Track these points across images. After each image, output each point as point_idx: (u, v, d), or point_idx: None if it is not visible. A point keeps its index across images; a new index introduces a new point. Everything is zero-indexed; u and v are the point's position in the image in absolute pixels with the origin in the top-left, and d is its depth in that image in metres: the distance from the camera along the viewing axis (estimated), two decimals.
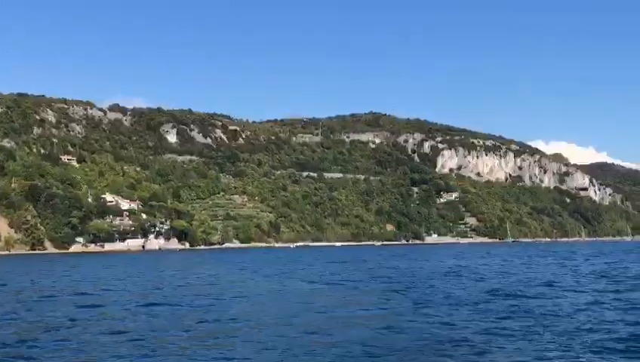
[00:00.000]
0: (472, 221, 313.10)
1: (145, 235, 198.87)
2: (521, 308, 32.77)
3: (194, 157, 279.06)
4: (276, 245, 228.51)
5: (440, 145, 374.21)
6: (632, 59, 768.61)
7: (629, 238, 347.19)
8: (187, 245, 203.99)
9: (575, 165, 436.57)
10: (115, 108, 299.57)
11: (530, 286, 47.22)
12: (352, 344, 23.11)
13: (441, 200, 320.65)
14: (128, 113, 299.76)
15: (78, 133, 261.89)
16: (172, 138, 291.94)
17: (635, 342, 22.16)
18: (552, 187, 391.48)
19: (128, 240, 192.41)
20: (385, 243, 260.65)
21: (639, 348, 21.08)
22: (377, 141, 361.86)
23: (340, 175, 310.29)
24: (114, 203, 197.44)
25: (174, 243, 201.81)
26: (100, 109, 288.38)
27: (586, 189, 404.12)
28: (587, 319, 28.65)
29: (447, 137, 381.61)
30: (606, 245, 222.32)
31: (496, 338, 22.86)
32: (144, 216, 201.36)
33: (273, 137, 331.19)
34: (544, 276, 58.63)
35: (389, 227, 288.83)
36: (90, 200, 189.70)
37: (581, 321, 27.69)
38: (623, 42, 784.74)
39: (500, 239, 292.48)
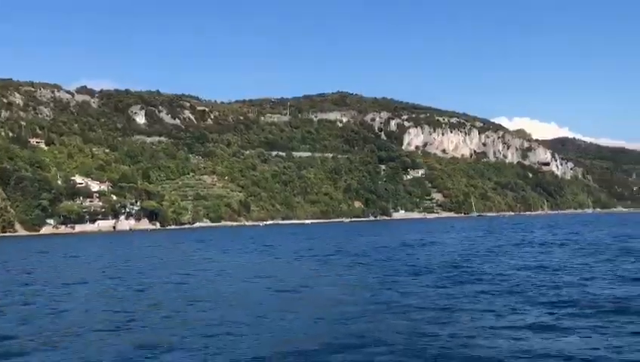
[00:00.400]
0: (438, 196, 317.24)
1: (115, 216, 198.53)
2: (477, 273, 34.88)
3: (163, 138, 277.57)
4: (247, 224, 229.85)
5: (406, 123, 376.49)
6: (592, 36, 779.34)
7: (590, 211, 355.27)
8: (158, 225, 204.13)
9: (537, 140, 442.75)
10: (82, 90, 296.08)
11: (486, 256, 49.52)
12: (320, 308, 24.76)
13: (408, 176, 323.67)
14: (96, 95, 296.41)
15: (46, 115, 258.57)
16: (140, 119, 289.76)
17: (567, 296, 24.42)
18: (515, 162, 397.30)
19: (99, 222, 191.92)
20: (353, 219, 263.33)
21: (571, 300, 23.26)
22: (345, 120, 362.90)
23: (309, 154, 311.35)
24: (83, 185, 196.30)
25: (145, 224, 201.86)
26: (68, 92, 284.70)
27: (548, 164, 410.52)
28: (535, 280, 30.90)
29: (413, 115, 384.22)
30: (565, 217, 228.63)
31: (457, 301, 24.58)
32: (114, 197, 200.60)
33: (242, 117, 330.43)
34: (502, 247, 61.26)
35: (357, 204, 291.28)
36: (59, 182, 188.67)
37: (526, 282, 29.95)
38: (583, 19, 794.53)
39: (465, 214, 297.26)
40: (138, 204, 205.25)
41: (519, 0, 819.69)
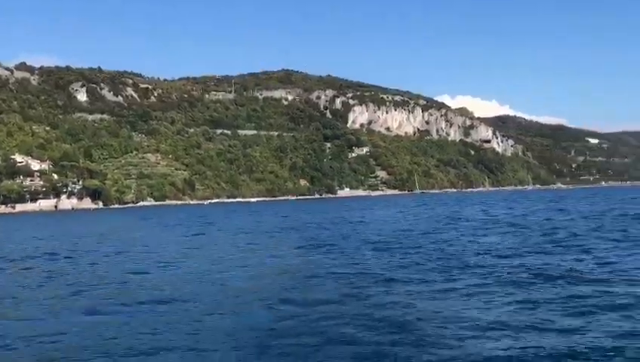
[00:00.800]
0: (382, 174, 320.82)
1: (57, 195, 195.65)
2: (415, 245, 36.77)
3: (105, 116, 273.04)
4: (191, 202, 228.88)
5: (351, 102, 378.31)
6: (533, 16, 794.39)
7: (530, 187, 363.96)
8: (101, 204, 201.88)
9: (479, 118, 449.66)
10: (21, 67, 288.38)
11: (423, 230, 51.74)
12: (265, 278, 25.90)
13: (353, 154, 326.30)
14: (36, 72, 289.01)
15: None
16: (82, 97, 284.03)
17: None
18: (457, 140, 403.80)
19: (40, 201, 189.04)
20: (299, 197, 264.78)
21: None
22: (290, 98, 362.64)
23: (254, 132, 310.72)
24: (24, 163, 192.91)
25: (88, 203, 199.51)
26: (7, 68, 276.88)
27: (489, 141, 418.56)
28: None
29: (358, 93, 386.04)
30: (503, 193, 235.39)
31: (395, 270, 26.05)
32: (55, 176, 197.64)
33: (186, 95, 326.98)
34: (436, 222, 63.80)
35: (303, 182, 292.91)
36: None
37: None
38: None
39: (409, 191, 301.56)
40: (80, 183, 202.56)
41: None
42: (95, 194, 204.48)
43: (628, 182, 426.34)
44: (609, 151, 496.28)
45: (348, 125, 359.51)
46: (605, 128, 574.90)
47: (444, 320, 16.94)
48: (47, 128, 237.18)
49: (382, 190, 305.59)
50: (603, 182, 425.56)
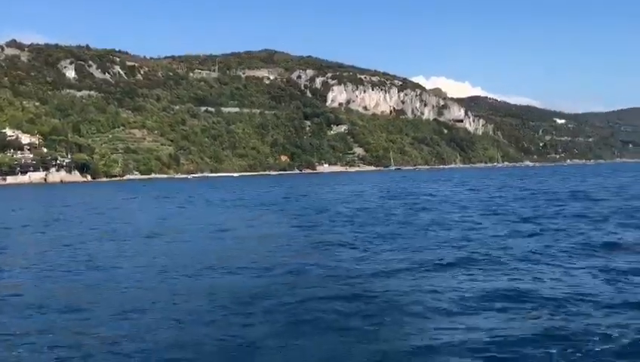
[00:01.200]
0: (359, 151, 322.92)
1: (47, 168, 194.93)
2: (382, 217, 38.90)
3: (93, 93, 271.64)
4: (176, 176, 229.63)
5: (330, 81, 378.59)
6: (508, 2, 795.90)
7: (499, 164, 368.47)
8: (89, 178, 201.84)
9: (452, 99, 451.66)
10: (12, 44, 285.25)
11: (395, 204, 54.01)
12: (248, 241, 27.82)
13: (332, 132, 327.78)
14: (26, 49, 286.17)
15: None
16: (70, 73, 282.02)
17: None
18: (431, 119, 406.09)
19: (30, 173, 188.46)
20: (280, 172, 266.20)
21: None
22: (272, 77, 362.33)
23: (237, 109, 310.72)
24: (14, 137, 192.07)
25: (76, 176, 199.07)
26: None
27: (461, 121, 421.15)
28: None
29: (337, 73, 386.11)
30: (470, 171, 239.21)
31: (366, 240, 27.72)
32: (45, 150, 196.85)
33: (171, 73, 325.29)
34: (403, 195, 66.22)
35: (284, 158, 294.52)
36: None
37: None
38: None
39: (384, 167, 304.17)
40: (69, 156, 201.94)
41: None
42: (83, 168, 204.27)
43: (592, 161, 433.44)
44: (574, 131, 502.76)
45: (327, 104, 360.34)
46: (571, 109, 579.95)
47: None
48: (37, 103, 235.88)
49: (359, 166, 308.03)
50: (568, 160, 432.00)
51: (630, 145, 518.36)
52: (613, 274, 17.14)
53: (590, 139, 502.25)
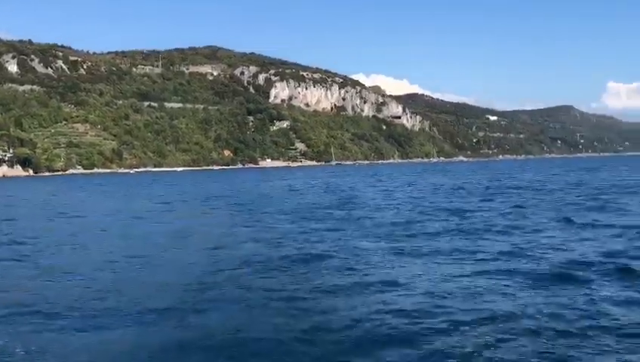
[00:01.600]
0: (301, 146, 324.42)
1: None
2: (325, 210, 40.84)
3: (35, 87, 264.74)
4: (119, 170, 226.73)
5: (273, 78, 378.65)
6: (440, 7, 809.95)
7: (435, 160, 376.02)
8: (31, 172, 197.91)
9: (391, 96, 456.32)
10: None
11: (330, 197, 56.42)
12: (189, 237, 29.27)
13: (274, 127, 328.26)
14: None
15: None
16: (12, 68, 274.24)
17: None
18: (370, 115, 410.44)
19: None
20: (223, 167, 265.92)
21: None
22: (215, 73, 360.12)
23: (181, 105, 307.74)
24: None
25: (18, 171, 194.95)
26: None
27: (399, 117, 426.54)
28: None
29: (280, 70, 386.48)
30: (402, 166, 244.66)
31: (309, 233, 29.36)
32: None
33: (114, 68, 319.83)
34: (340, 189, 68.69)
35: (227, 153, 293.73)
36: None
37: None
38: None
39: (326, 162, 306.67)
40: (11, 151, 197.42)
41: None
42: (25, 163, 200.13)
43: (522, 156, 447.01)
44: (506, 128, 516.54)
45: (270, 100, 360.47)
46: (503, 107, 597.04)
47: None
48: None
49: (301, 161, 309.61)
50: (500, 156, 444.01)
51: (559, 142, 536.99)
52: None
53: (521, 136, 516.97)
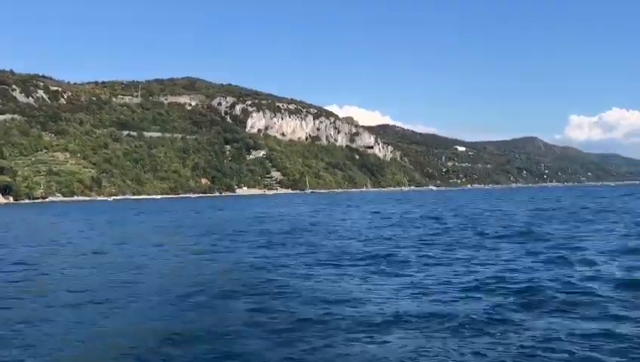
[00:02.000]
0: (277, 175, 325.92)
1: None
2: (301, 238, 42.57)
3: (16, 116, 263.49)
4: (98, 198, 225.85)
5: (250, 108, 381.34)
6: (414, 35, 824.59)
7: (406, 188, 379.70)
8: (11, 199, 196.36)
9: (363, 126, 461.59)
10: None
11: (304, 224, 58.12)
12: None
13: (251, 156, 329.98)
14: None
15: None
16: None
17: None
18: (344, 145, 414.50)
19: None
20: (201, 195, 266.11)
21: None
22: (193, 103, 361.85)
23: (159, 134, 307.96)
24: None
25: None
26: None
27: (372, 147, 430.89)
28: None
29: (256, 101, 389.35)
30: (379, 194, 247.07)
31: (285, 262, 30.82)
32: None
33: (94, 98, 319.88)
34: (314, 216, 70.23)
35: (204, 181, 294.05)
36: None
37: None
38: (412, 12, 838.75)
39: (300, 190, 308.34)
40: None
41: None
42: (6, 190, 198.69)
43: (490, 185, 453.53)
44: (474, 158, 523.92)
45: (247, 130, 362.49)
46: (471, 137, 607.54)
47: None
48: None
49: (276, 189, 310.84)
50: (469, 185, 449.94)
51: (524, 172, 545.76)
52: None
53: (488, 166, 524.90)
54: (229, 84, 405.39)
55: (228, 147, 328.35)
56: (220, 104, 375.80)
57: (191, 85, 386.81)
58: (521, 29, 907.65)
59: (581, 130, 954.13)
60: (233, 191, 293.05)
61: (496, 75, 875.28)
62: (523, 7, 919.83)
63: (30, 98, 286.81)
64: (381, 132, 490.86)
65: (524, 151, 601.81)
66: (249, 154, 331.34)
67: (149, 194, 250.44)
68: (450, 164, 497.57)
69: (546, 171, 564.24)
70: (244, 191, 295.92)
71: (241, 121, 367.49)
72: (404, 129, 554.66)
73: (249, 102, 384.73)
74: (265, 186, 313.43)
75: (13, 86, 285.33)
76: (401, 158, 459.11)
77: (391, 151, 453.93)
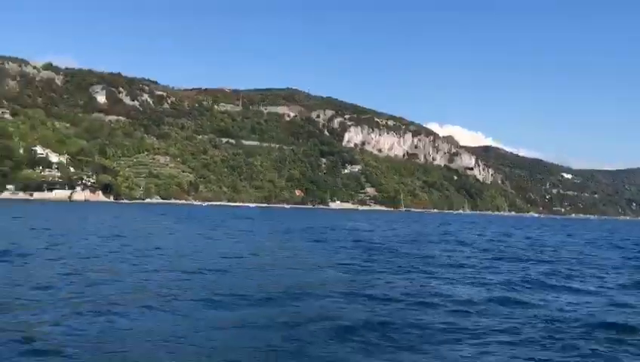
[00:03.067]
0: (371, 191, 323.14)
1: (72, 187, 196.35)
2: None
3: (121, 118, 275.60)
4: (194, 203, 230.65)
5: (348, 122, 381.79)
6: (518, 58, 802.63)
7: (505, 213, 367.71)
8: (112, 198, 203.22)
9: (464, 147, 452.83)
10: (48, 67, 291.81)
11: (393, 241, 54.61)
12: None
13: (346, 171, 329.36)
14: (61, 73, 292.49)
15: (13, 88, 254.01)
16: (101, 98, 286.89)
17: None
18: (442, 165, 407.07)
19: (56, 191, 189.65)
20: (294, 206, 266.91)
21: None
22: (292, 114, 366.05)
23: (257, 143, 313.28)
24: (44, 155, 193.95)
25: (99, 196, 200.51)
26: (35, 67, 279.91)
27: (472, 169, 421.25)
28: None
29: (355, 115, 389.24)
30: (470, 217, 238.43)
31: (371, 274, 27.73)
32: (72, 169, 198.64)
33: (197, 105, 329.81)
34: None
35: (298, 192, 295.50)
36: (21, 151, 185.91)
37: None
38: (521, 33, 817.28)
39: (394, 208, 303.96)
40: (94, 177, 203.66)
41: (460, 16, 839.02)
42: (107, 189, 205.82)
43: (596, 216, 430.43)
44: (581, 186, 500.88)
45: (343, 144, 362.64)
46: (580, 165, 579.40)
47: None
48: (67, 125, 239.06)
49: (369, 205, 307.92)
50: (574, 214, 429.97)
51: (634, 204, 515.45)
52: None
53: (595, 195, 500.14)
54: (329, 97, 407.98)
55: (324, 160, 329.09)
56: (318, 116, 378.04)
57: (290, 96, 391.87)
58: None
59: None
60: (326, 204, 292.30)
61: (609, 99, 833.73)
62: None
63: (135, 101, 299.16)
64: (482, 153, 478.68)
65: (635, 183, 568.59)
66: (344, 168, 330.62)
67: (242, 202, 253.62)
68: (554, 190, 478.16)
69: None
70: (336, 204, 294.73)
71: (338, 135, 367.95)
72: (507, 152, 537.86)
73: (347, 116, 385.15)
74: (358, 201, 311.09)
75: (120, 88, 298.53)
76: (502, 182, 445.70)
77: (492, 174, 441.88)
